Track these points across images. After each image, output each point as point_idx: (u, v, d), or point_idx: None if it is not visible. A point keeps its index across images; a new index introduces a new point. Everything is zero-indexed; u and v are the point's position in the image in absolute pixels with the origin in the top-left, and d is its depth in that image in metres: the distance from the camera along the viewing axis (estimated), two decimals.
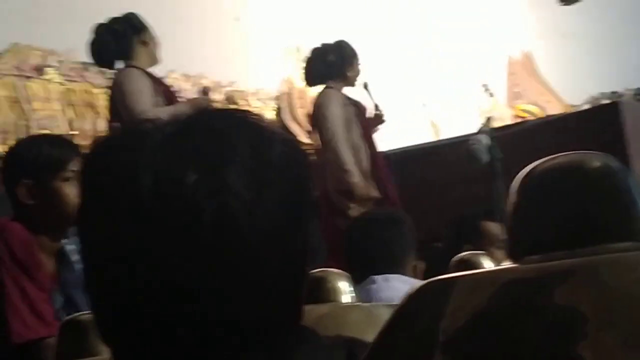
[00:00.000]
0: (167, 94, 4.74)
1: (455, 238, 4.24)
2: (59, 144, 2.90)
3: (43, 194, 2.79)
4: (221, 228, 0.88)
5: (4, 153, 3.06)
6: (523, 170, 1.51)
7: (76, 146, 3.02)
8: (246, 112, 0.98)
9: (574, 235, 1.42)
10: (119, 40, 4.74)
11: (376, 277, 2.94)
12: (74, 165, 2.79)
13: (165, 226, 0.88)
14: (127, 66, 4.73)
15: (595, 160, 1.48)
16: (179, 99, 5.17)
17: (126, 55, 4.73)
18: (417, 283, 2.86)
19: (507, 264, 1.47)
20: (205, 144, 0.92)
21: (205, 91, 4.75)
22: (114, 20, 4.81)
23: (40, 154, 2.81)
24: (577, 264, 1.34)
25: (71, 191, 2.77)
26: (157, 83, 4.73)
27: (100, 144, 0.98)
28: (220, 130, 0.93)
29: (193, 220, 0.88)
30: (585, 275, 1.32)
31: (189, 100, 5.16)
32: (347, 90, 5.65)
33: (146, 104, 4.49)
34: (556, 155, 1.51)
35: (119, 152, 0.93)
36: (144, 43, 4.75)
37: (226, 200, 0.89)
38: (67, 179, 2.80)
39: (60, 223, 2.81)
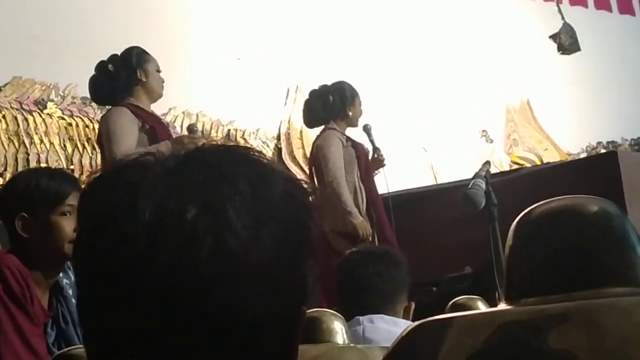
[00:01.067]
0: (156, 131, 4.63)
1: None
2: (59, 178, 2.87)
3: (39, 227, 2.77)
4: (217, 263, 0.88)
5: (2, 185, 3.05)
6: (521, 213, 1.51)
7: (76, 180, 3.00)
8: (249, 149, 0.99)
9: (571, 278, 1.41)
10: (114, 79, 4.72)
11: (361, 318, 2.92)
12: (73, 200, 2.75)
13: (162, 259, 0.88)
14: (117, 104, 4.68)
15: (593, 204, 1.48)
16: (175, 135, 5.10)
17: (123, 93, 4.68)
18: (403, 323, 2.86)
19: (503, 306, 1.46)
20: (206, 179, 0.92)
21: (190, 129, 4.66)
22: (111, 58, 4.79)
23: (39, 186, 2.79)
24: (573, 308, 1.34)
25: (68, 225, 2.75)
26: (148, 119, 4.66)
27: (99, 177, 0.98)
28: (222, 166, 0.94)
29: (190, 254, 0.88)
30: (580, 319, 1.32)
31: (172, 140, 5.10)
32: (348, 132, 5.67)
33: (127, 145, 4.41)
34: (554, 198, 1.51)
35: (118, 184, 0.93)
36: (140, 80, 4.70)
37: (224, 236, 0.89)
38: (64, 213, 2.78)
39: (56, 257, 2.79)
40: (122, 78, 4.67)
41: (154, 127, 4.60)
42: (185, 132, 6.57)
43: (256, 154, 0.98)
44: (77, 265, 0.96)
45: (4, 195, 2.93)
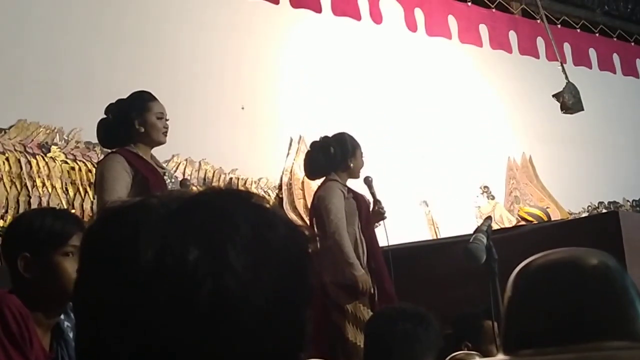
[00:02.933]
0: (149, 181, 4.53)
1: (454, 336, 4.21)
2: (63, 218, 2.84)
3: (42, 267, 2.73)
4: (216, 305, 0.88)
5: (3, 228, 3.02)
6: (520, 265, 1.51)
7: (80, 220, 2.98)
8: (251, 194, 0.99)
9: (568, 331, 1.41)
10: (114, 128, 4.68)
11: None
12: (77, 240, 2.71)
13: (162, 299, 0.88)
14: (115, 150, 4.64)
15: (592, 257, 1.48)
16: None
17: (124, 140, 4.63)
18: None
19: (500, 357, 1.46)
20: (208, 222, 0.92)
21: (184, 183, 4.52)
22: (115, 104, 4.73)
23: (43, 227, 2.76)
24: None
25: (71, 266, 2.71)
26: (142, 169, 4.55)
27: (102, 217, 0.98)
28: (224, 209, 0.94)
29: (190, 295, 0.88)
30: None
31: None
32: (348, 183, 5.66)
33: (117, 193, 4.35)
34: (553, 250, 1.51)
35: (122, 224, 0.94)
36: (138, 131, 4.62)
37: (224, 278, 0.89)
38: (67, 254, 2.75)
39: (57, 298, 2.75)
40: (122, 128, 4.63)
41: (146, 177, 4.51)
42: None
43: (258, 198, 0.98)
44: (77, 302, 0.96)
45: (7, 235, 2.91)
